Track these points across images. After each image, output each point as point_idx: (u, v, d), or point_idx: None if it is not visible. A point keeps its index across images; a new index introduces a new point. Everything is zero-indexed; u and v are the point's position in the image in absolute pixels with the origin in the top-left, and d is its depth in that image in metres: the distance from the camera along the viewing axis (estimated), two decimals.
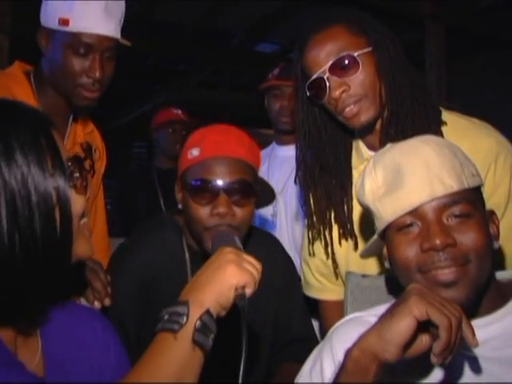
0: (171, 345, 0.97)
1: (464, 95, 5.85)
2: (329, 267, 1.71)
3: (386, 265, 1.24)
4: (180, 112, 3.69)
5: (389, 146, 1.27)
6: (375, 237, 1.24)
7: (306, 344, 1.64)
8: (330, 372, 1.18)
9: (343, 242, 1.65)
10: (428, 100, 1.53)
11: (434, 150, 1.17)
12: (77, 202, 1.00)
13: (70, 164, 1.00)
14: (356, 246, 1.64)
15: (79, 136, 1.89)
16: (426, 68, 4.42)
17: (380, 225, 1.20)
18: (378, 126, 1.54)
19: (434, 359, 0.97)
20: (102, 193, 2.08)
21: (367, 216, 1.56)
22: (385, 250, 1.23)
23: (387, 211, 1.17)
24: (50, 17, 1.71)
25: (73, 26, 1.67)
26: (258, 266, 1.07)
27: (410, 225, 1.15)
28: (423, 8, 4.35)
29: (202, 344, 0.97)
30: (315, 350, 1.28)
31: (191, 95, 6.26)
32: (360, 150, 1.62)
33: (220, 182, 1.53)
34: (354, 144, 1.65)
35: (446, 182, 1.12)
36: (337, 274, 1.71)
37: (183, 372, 0.96)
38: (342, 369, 1.03)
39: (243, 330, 0.98)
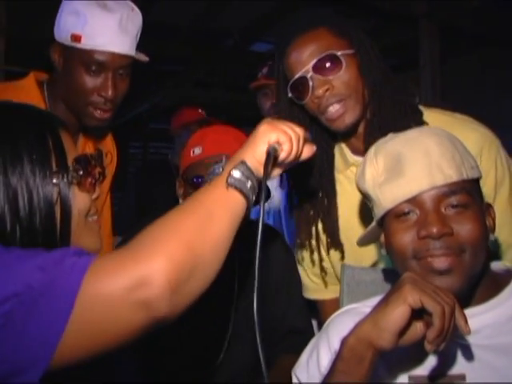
0: (205, 188, 1.01)
1: (458, 94, 5.89)
2: (329, 264, 1.73)
3: (383, 252, 1.25)
4: (203, 112, 3.80)
5: (390, 136, 1.29)
6: (373, 224, 1.25)
7: (304, 336, 1.67)
8: (326, 362, 1.19)
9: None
10: (407, 101, 1.55)
11: (435, 141, 1.18)
12: (80, 200, 1.03)
13: (75, 163, 1.03)
14: (342, 256, 1.67)
15: (89, 147, 1.87)
16: (420, 66, 4.44)
17: (379, 212, 1.22)
18: (360, 129, 1.55)
19: (427, 346, 0.99)
20: (109, 193, 2.10)
21: (353, 224, 1.60)
22: (382, 238, 1.25)
23: (387, 198, 1.18)
24: (62, 32, 1.64)
25: (85, 43, 1.60)
26: (297, 128, 1.10)
27: (408, 212, 1.17)
28: (417, 7, 4.37)
29: (236, 186, 0.98)
30: (312, 341, 1.30)
31: (187, 95, 6.27)
32: (345, 155, 1.62)
33: None
34: (338, 148, 1.65)
35: (446, 172, 1.14)
36: (326, 281, 1.75)
37: (214, 206, 0.96)
38: (338, 357, 1.06)
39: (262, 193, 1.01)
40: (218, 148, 1.66)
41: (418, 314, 1.01)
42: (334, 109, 1.47)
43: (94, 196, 1.09)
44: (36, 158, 0.98)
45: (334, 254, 1.68)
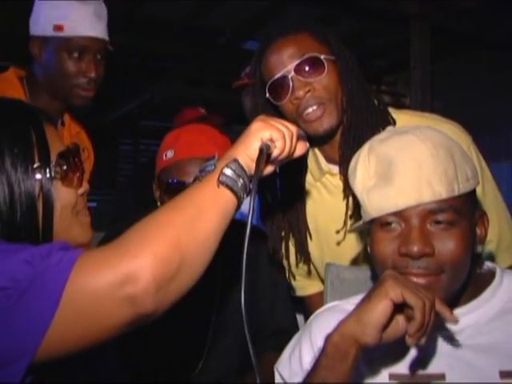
0: (196, 185, 1.01)
1: (449, 94, 5.91)
2: (303, 268, 1.75)
3: (369, 250, 1.25)
4: (205, 111, 3.77)
5: (386, 133, 1.27)
6: (361, 222, 1.25)
7: (288, 335, 1.67)
8: (308, 358, 1.20)
9: (315, 242, 1.67)
10: (381, 110, 1.54)
11: (430, 151, 1.14)
12: (65, 195, 1.03)
13: (58, 158, 1.03)
14: (309, 271, 1.70)
15: (66, 139, 1.94)
16: (411, 67, 4.46)
17: (365, 217, 1.22)
18: (336, 137, 1.54)
19: (408, 340, 1.00)
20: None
21: (331, 230, 1.60)
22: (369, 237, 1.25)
23: (372, 206, 1.18)
24: (43, 24, 1.83)
25: (67, 31, 1.80)
26: (290, 125, 1.09)
27: (393, 223, 1.16)
28: (408, 8, 4.38)
29: (228, 184, 0.98)
30: (294, 338, 1.31)
31: (178, 93, 6.26)
32: (319, 163, 1.61)
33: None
34: (312, 155, 1.63)
35: (435, 189, 1.11)
36: (310, 278, 1.76)
37: (204, 203, 0.96)
38: (322, 353, 1.06)
39: (254, 181, 1.01)
40: (190, 151, 1.62)
41: (400, 309, 1.03)
42: (312, 110, 1.46)
43: (81, 191, 1.08)
44: (18, 152, 0.97)
45: (318, 247, 1.68)
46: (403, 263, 1.13)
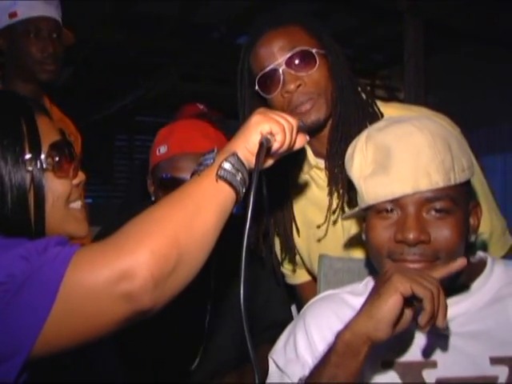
0: (195, 180, 1.00)
1: (442, 88, 5.93)
2: (289, 258, 1.76)
3: (364, 237, 1.26)
4: (204, 107, 3.76)
5: (384, 122, 1.27)
6: (357, 209, 1.26)
7: (284, 328, 1.68)
8: (303, 347, 1.22)
9: (302, 235, 1.68)
10: (369, 105, 1.54)
11: (427, 140, 1.16)
12: (58, 186, 1.02)
13: (50, 149, 1.02)
14: (295, 262, 1.70)
15: None
16: (405, 61, 4.47)
17: (361, 204, 1.23)
18: (325, 132, 1.53)
19: (421, 329, 1.02)
20: None
21: (317, 223, 1.60)
22: (364, 224, 1.25)
23: (369, 194, 1.18)
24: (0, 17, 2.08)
25: (21, 15, 2.05)
26: (290, 118, 1.09)
27: (390, 210, 1.17)
28: (402, 1, 4.39)
29: (226, 178, 0.98)
30: (289, 327, 1.32)
31: (172, 88, 6.26)
32: (307, 157, 1.61)
33: (187, 178, 1.56)
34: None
35: (432, 177, 1.13)
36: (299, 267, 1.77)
37: (202, 199, 0.95)
38: (332, 350, 1.06)
39: (254, 174, 1.00)
40: (183, 146, 1.62)
41: (407, 301, 1.03)
42: (302, 105, 1.45)
43: (76, 181, 1.08)
44: (7, 143, 0.96)
45: (305, 239, 1.69)
46: (399, 250, 1.14)
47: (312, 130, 1.50)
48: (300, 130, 1.13)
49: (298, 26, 1.49)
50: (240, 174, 1.00)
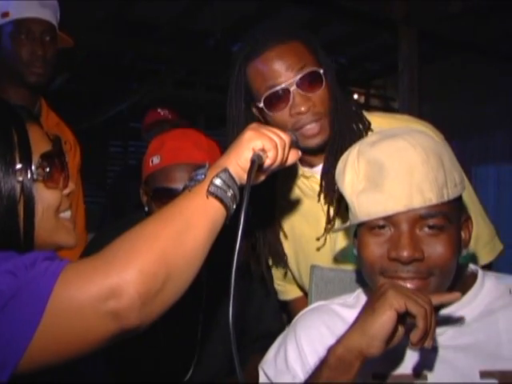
0: (185, 195, 0.99)
1: (437, 98, 5.96)
2: (279, 271, 1.76)
3: (355, 252, 1.25)
4: (167, 112, 3.73)
5: (376, 136, 1.26)
6: (348, 224, 1.25)
7: (275, 340, 1.68)
8: (293, 358, 1.21)
9: (289, 245, 1.68)
10: (359, 116, 1.55)
11: (421, 157, 1.15)
12: (48, 196, 1.01)
13: (41, 159, 1.00)
14: (285, 273, 1.70)
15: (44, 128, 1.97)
16: (399, 71, 4.49)
17: (353, 220, 1.21)
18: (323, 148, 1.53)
19: (412, 347, 1.02)
20: (80, 188, 2.18)
21: (305, 233, 1.61)
22: (356, 240, 1.25)
23: (362, 211, 1.17)
24: None
25: (13, 15, 2.00)
26: (282, 134, 1.08)
27: (383, 227, 1.16)
28: (397, 12, 4.41)
29: (217, 195, 0.97)
30: (279, 338, 1.31)
31: (167, 95, 6.26)
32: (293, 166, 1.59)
33: (180, 188, 1.55)
34: None
35: (426, 195, 1.12)
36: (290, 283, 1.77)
37: (193, 215, 0.95)
38: (325, 365, 1.06)
39: (246, 187, 1.00)
40: (176, 157, 1.61)
41: (400, 318, 1.02)
42: (310, 127, 1.45)
43: (66, 191, 1.06)
44: None
45: (292, 253, 1.69)
46: (392, 267, 1.14)
47: (314, 150, 1.51)
48: (292, 145, 1.13)
49: (300, 43, 1.48)
50: (231, 191, 0.99)
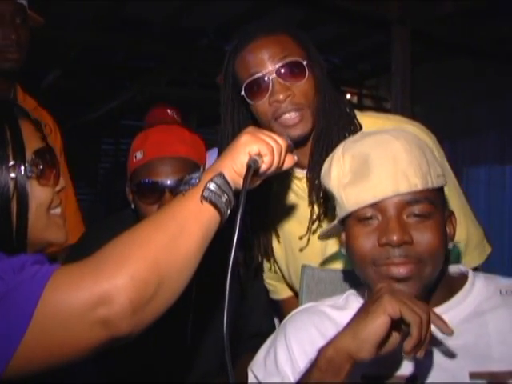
0: (179, 200, 0.98)
1: (429, 98, 5.97)
2: (274, 273, 1.77)
3: (343, 251, 1.26)
4: (174, 113, 3.68)
5: (360, 135, 1.28)
6: (335, 222, 1.26)
7: (265, 339, 1.68)
8: (283, 359, 1.21)
9: (280, 245, 1.68)
10: (349, 116, 1.55)
11: (404, 146, 1.18)
12: (40, 193, 1.01)
13: (34, 156, 1.00)
14: (275, 272, 1.70)
15: None
16: (392, 71, 4.49)
17: (341, 212, 1.22)
18: (307, 143, 1.53)
19: (405, 355, 1.01)
20: (69, 181, 2.14)
21: (295, 235, 1.61)
22: (343, 236, 1.25)
23: (350, 201, 1.19)
24: None
25: None
26: (279, 139, 1.07)
27: (370, 217, 1.17)
28: (389, 12, 4.42)
29: (211, 199, 0.96)
30: (269, 339, 1.31)
31: (160, 93, 6.24)
32: None
33: (164, 182, 1.57)
34: None
35: (411, 180, 1.14)
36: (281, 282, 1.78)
37: (186, 221, 0.93)
38: (315, 366, 1.05)
39: (242, 191, 0.99)
40: (159, 151, 1.61)
41: (395, 324, 1.02)
42: (289, 116, 1.45)
43: (57, 188, 1.06)
44: None
45: (282, 253, 1.70)
46: (383, 254, 1.14)
47: (296, 144, 1.49)
48: (289, 150, 1.12)
49: (287, 36, 1.49)
50: (225, 196, 0.98)
